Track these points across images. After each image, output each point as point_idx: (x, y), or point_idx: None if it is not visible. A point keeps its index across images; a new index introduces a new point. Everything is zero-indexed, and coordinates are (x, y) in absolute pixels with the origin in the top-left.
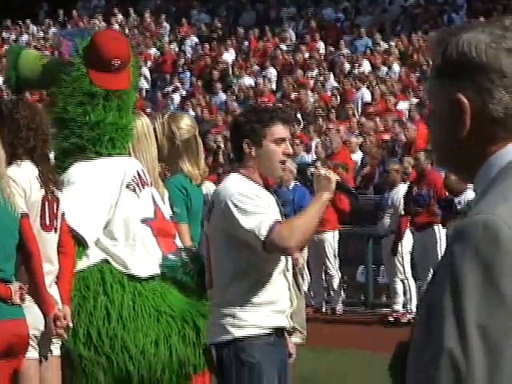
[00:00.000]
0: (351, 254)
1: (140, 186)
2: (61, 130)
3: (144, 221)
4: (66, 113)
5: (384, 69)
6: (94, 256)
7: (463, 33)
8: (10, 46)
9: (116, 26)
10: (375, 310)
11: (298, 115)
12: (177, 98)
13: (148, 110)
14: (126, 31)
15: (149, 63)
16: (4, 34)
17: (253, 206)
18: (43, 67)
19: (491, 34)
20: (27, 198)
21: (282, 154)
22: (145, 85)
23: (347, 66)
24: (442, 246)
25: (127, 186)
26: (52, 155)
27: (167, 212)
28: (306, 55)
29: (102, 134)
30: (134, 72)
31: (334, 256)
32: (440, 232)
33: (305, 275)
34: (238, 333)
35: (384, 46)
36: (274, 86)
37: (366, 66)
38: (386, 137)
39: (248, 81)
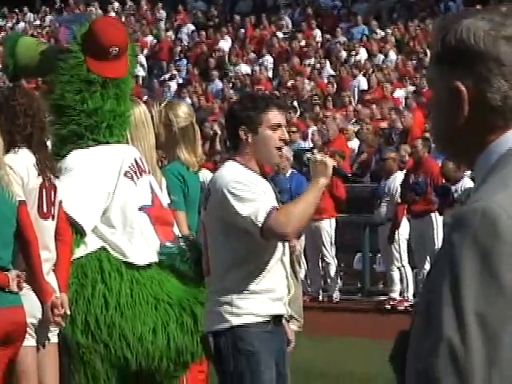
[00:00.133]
0: (348, 242)
1: (138, 173)
2: (58, 118)
3: (142, 209)
4: (64, 100)
5: (380, 56)
6: (91, 244)
7: (463, 19)
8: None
9: (112, 14)
10: (372, 298)
11: (295, 103)
12: (173, 85)
13: (144, 98)
14: (123, 19)
15: (145, 51)
16: (0, 22)
17: (249, 193)
18: (41, 54)
19: (490, 21)
20: (25, 185)
21: (278, 140)
22: (141, 72)
23: (344, 54)
24: (438, 234)
25: (125, 174)
26: (49, 142)
27: (165, 200)
28: (303, 43)
29: (99, 122)
30: (131, 59)
31: (331, 244)
32: (437, 220)
33: (302, 263)
34: (235, 321)
35: (381, 33)
36: (270, 74)
37: (362, 54)
38: (383, 125)
39: (244, 68)
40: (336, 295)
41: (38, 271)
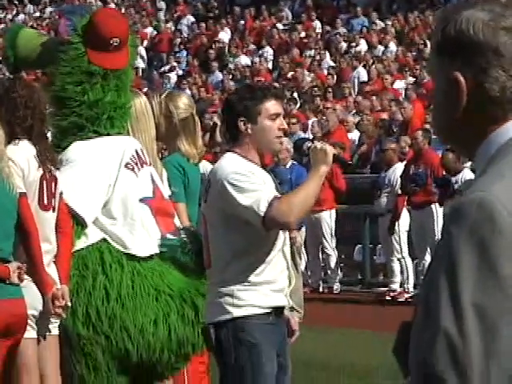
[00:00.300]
0: (348, 233)
1: (139, 165)
2: (59, 109)
3: (143, 200)
4: (65, 92)
5: (380, 48)
6: (92, 235)
7: (463, 10)
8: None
9: (112, 5)
10: (372, 289)
11: (295, 94)
12: (173, 77)
13: (144, 90)
14: (123, 10)
15: (145, 42)
16: (0, 14)
17: (249, 183)
18: (41, 46)
19: (490, 12)
20: (25, 177)
21: (277, 130)
22: (141, 64)
23: (344, 45)
24: (439, 225)
25: (126, 166)
26: (50, 134)
27: (166, 191)
28: (303, 34)
29: (100, 113)
30: (132, 51)
31: (331, 235)
32: (437, 211)
33: (302, 254)
34: (236, 312)
35: (380, 24)
36: (270, 65)
37: (362, 45)
38: (383, 116)
39: (244, 60)
40: (336, 287)
41: (38, 263)
